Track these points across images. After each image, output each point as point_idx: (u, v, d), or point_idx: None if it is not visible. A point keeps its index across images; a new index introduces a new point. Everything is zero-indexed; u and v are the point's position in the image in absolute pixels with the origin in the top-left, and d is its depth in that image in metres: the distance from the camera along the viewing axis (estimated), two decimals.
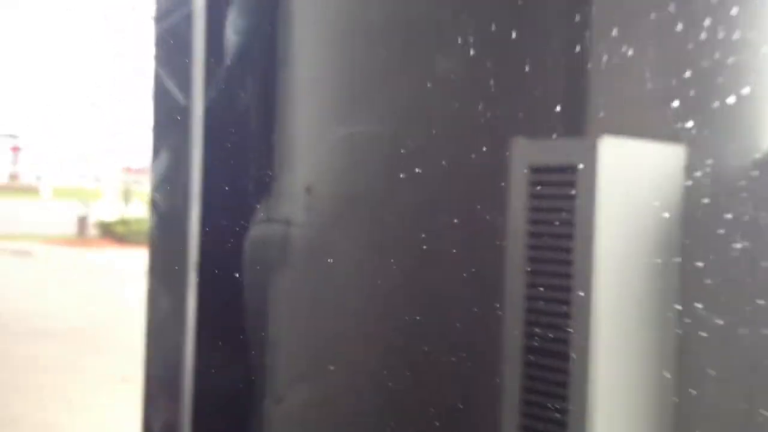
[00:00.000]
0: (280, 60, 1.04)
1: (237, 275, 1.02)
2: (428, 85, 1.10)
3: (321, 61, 1.09)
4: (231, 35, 1.06)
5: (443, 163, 1.03)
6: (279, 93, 1.04)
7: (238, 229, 1.02)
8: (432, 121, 1.09)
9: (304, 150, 1.07)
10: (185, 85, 1.04)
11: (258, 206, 1.06)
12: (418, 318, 1.06)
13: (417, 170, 1.03)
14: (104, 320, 7.98)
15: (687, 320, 0.93)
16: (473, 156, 1.05)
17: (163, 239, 1.10)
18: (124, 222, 15.35)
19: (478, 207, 1.03)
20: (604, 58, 1.01)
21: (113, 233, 14.89)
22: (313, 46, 1.08)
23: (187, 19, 1.05)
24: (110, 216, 15.78)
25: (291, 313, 1.08)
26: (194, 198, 1.03)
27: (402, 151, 1.11)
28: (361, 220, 1.11)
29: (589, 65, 1.02)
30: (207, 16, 1.02)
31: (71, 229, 15.37)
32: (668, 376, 0.94)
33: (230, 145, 1.03)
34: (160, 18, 1.11)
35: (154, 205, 1.11)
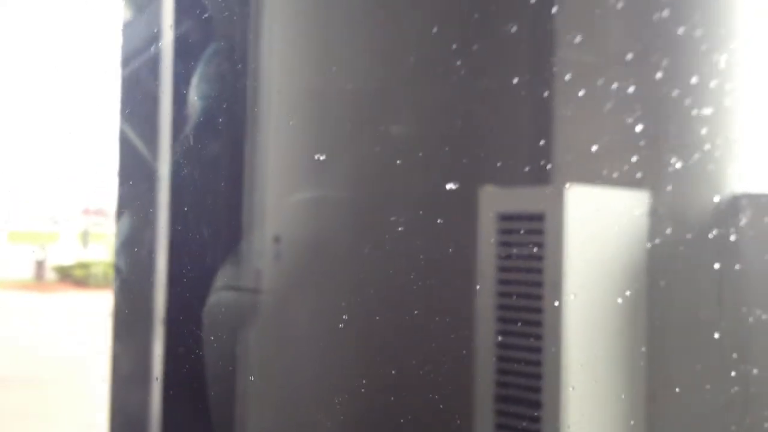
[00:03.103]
0: (247, 118, 1.04)
1: (203, 332, 1.00)
2: (391, 141, 1.11)
3: (286, 119, 1.09)
4: (195, 99, 1.06)
5: (410, 212, 1.04)
6: (246, 149, 1.04)
7: (205, 283, 1.01)
8: (397, 174, 1.09)
9: (272, 201, 1.07)
10: (151, 138, 1.03)
11: (225, 262, 1.05)
12: (389, 367, 1.05)
13: (388, 219, 1.03)
14: (65, 366, 7.78)
15: (655, 362, 0.94)
16: (440, 205, 1.06)
17: (129, 293, 1.08)
18: (82, 265, 15.06)
19: (448, 253, 1.04)
20: (568, 106, 1.03)
21: (72, 277, 14.60)
22: (279, 105, 1.08)
23: (153, 68, 1.05)
24: (68, 259, 15.49)
25: (260, 365, 1.06)
26: (161, 253, 1.01)
27: (367, 202, 1.11)
28: (328, 268, 1.11)
29: (554, 114, 1.04)
30: (174, 67, 1.02)
31: (28, 273, 15.05)
32: (635, 422, 0.95)
33: (197, 198, 1.02)
34: (124, 67, 1.10)
35: (118, 258, 1.10)
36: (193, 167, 1.03)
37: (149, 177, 1.05)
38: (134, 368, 1.05)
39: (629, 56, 1.00)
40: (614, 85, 1.01)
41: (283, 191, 1.08)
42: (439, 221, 1.04)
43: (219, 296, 1.06)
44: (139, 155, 1.06)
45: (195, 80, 1.07)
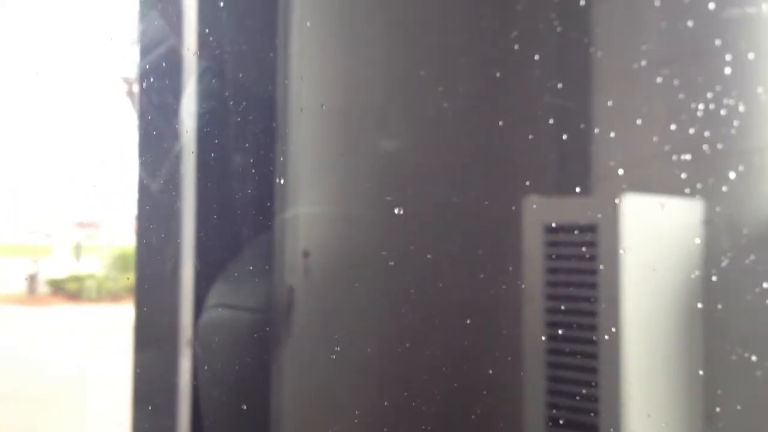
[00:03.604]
0: (276, 130, 0.99)
1: (231, 352, 0.95)
2: (422, 153, 1.06)
3: (315, 130, 1.04)
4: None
5: (449, 224, 0.99)
6: (274, 161, 0.99)
7: (234, 299, 0.95)
8: (431, 187, 1.04)
9: (302, 215, 1.02)
10: (173, 148, 0.98)
11: (248, 278, 0.99)
12: (425, 390, 1.00)
13: (422, 234, 0.98)
14: (62, 382, 7.69)
15: (713, 379, 0.89)
16: (478, 217, 1.01)
17: (151, 311, 1.02)
18: (76, 278, 14.96)
19: (488, 268, 0.99)
20: (611, 113, 0.99)
21: (65, 290, 14.48)
22: (308, 117, 1.03)
23: (173, 81, 1.00)
24: (61, 273, 15.38)
25: (293, 382, 1.01)
26: (186, 268, 0.96)
27: (401, 212, 1.06)
28: (361, 283, 1.05)
29: (596, 121, 0.99)
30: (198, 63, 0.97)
31: (21, 287, 14.91)
32: None
33: (223, 210, 0.97)
34: (143, 77, 1.05)
35: (139, 273, 1.04)
36: (219, 178, 0.98)
37: (172, 186, 0.99)
38: (160, 390, 1.00)
39: (678, 60, 0.95)
40: (661, 90, 0.97)
41: (312, 204, 1.02)
42: (476, 234, 0.99)
43: (243, 315, 1.01)
44: (160, 165, 1.01)
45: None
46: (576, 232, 0.88)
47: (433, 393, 0.97)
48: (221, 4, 1.04)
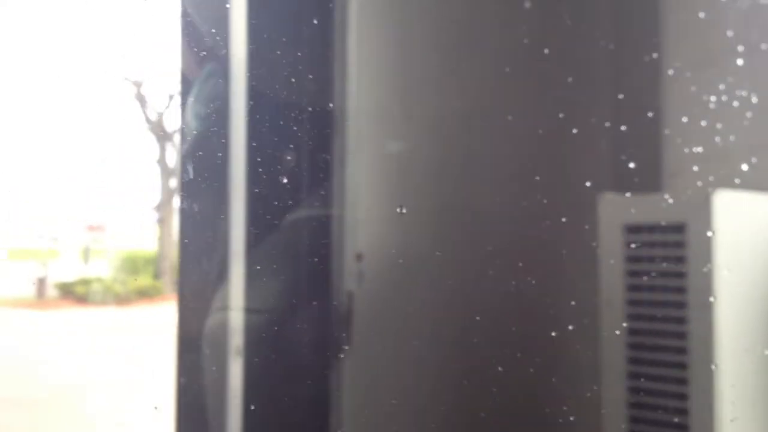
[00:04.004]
0: (333, 132, 0.93)
1: (286, 362, 0.89)
2: (483, 151, 1.00)
3: (371, 132, 0.98)
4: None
5: (518, 227, 0.92)
6: (330, 162, 0.93)
7: (288, 308, 0.89)
8: (492, 185, 0.98)
9: (357, 218, 0.95)
10: (222, 149, 0.91)
11: (306, 284, 0.93)
12: (490, 403, 0.93)
13: (491, 237, 0.92)
14: (70, 386, 7.64)
15: None
16: (543, 215, 0.94)
17: (197, 320, 0.96)
18: (84, 282, 14.94)
19: (555, 270, 0.92)
20: (681, 109, 0.92)
21: (73, 294, 14.46)
22: (364, 119, 0.97)
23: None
24: (69, 276, 15.36)
25: (350, 389, 0.95)
26: (235, 276, 0.90)
27: (458, 215, 1.00)
28: (417, 288, 0.99)
29: (668, 113, 0.93)
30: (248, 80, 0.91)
31: (29, 290, 14.89)
32: None
33: (274, 214, 0.91)
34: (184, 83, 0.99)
35: (182, 277, 0.98)
36: (269, 181, 0.92)
37: (218, 187, 0.93)
38: (206, 404, 0.93)
39: (754, 48, 0.89)
40: (734, 80, 0.90)
41: (368, 206, 0.96)
42: (548, 236, 0.92)
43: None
44: (206, 164, 0.95)
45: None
46: (661, 232, 0.81)
47: (505, 404, 0.90)
48: (268, 8, 0.98)
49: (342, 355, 0.90)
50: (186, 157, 0.97)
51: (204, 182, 0.95)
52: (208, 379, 0.96)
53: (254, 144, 0.91)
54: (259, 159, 0.91)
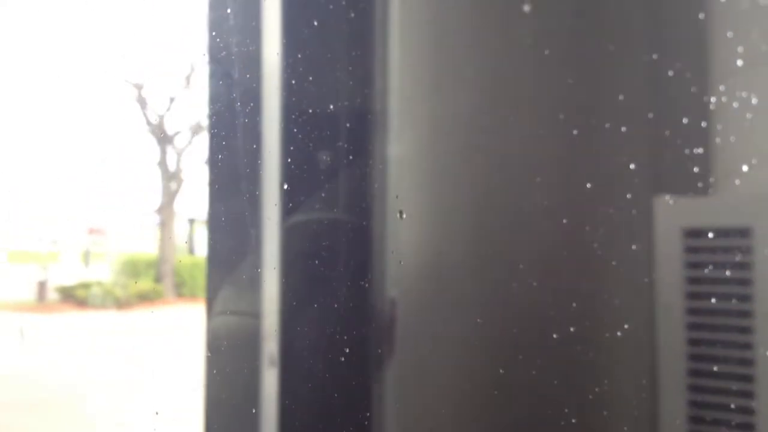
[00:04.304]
0: (373, 135, 0.88)
1: (326, 373, 0.84)
2: (524, 154, 0.95)
3: (412, 136, 0.94)
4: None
5: (567, 232, 0.88)
6: (370, 166, 0.88)
7: (327, 315, 0.85)
8: (533, 189, 0.94)
9: (396, 223, 0.91)
10: (256, 151, 0.87)
11: (341, 291, 0.89)
12: (538, 416, 0.89)
13: (539, 243, 0.87)
14: (70, 390, 7.60)
15: None
16: (603, 221, 0.90)
17: (229, 328, 0.91)
18: (84, 285, 14.89)
19: (605, 276, 0.88)
20: (732, 105, 0.88)
21: (74, 297, 14.41)
22: (405, 122, 0.93)
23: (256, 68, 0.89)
24: (70, 279, 15.32)
25: (394, 398, 0.90)
26: (269, 282, 0.85)
27: (499, 221, 0.96)
28: (457, 295, 0.95)
29: (717, 115, 0.89)
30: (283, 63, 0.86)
31: (30, 293, 14.84)
32: None
33: (312, 218, 0.86)
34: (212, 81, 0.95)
35: (211, 283, 0.93)
36: (305, 185, 0.88)
37: (251, 190, 0.89)
38: (240, 417, 0.89)
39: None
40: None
41: (409, 211, 0.92)
42: (599, 241, 0.88)
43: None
44: (239, 172, 0.90)
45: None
46: (724, 236, 0.77)
47: (557, 412, 0.86)
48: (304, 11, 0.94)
49: (384, 365, 0.86)
50: (213, 159, 0.93)
51: (234, 186, 0.91)
52: (236, 387, 0.92)
53: (291, 148, 0.87)
54: (291, 162, 0.87)
